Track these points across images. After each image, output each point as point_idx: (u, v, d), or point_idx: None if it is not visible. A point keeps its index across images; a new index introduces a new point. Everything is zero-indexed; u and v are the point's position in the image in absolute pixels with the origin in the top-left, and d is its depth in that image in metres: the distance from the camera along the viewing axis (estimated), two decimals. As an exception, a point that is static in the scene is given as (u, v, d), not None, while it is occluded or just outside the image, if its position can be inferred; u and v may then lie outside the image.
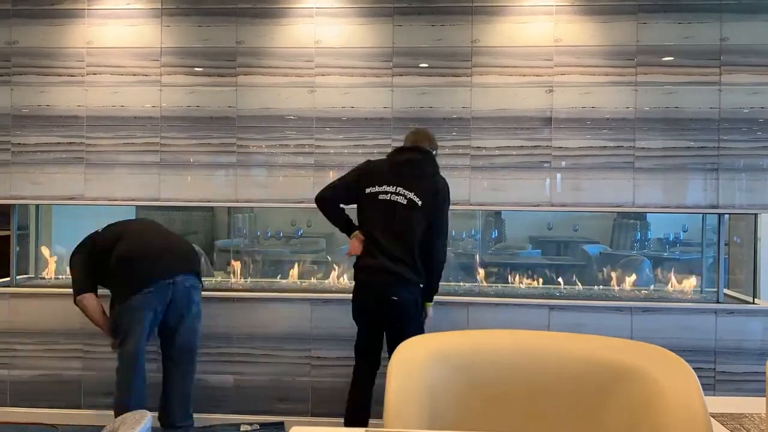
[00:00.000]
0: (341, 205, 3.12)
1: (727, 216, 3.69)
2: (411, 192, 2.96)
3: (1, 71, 3.76)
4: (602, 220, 4.82)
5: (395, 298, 2.94)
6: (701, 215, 3.90)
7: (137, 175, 3.73)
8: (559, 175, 3.60)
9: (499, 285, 4.25)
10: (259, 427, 3.48)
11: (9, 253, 3.91)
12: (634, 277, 4.09)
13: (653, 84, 3.54)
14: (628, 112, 3.56)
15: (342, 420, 3.39)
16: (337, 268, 4.09)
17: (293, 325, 3.64)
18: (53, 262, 4.10)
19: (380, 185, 2.99)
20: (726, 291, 3.76)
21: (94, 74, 3.74)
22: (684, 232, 5.02)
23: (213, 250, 5.22)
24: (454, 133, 3.62)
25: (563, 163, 3.59)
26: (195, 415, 3.58)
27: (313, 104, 3.66)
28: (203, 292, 3.72)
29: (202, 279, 3.33)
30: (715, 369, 3.52)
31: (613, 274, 4.07)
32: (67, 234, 4.48)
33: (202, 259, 4.00)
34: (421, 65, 3.63)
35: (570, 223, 5.04)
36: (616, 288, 3.97)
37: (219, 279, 4.31)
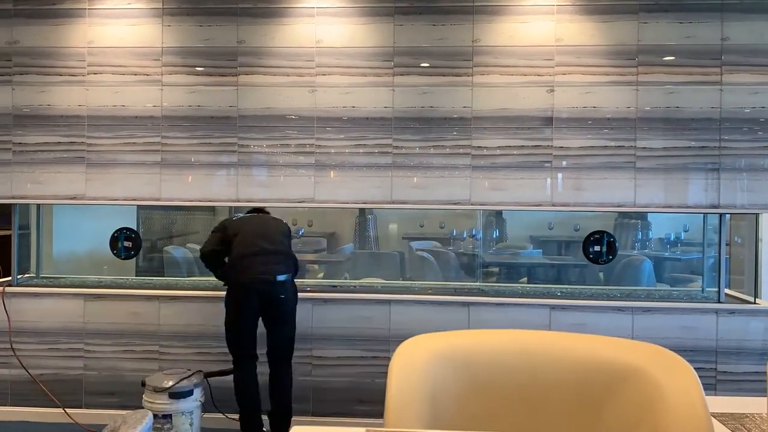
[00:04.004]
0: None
1: (728, 216, 3.69)
2: None
3: (2, 71, 3.77)
4: (603, 219, 4.82)
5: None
6: (702, 215, 3.90)
7: (138, 175, 3.73)
8: (560, 175, 3.59)
9: (500, 285, 4.25)
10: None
11: (10, 253, 3.92)
12: (635, 276, 4.09)
13: (654, 84, 3.54)
14: (629, 111, 3.56)
15: (343, 420, 3.40)
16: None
17: (294, 324, 3.64)
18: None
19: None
20: (727, 291, 3.76)
21: (95, 74, 3.74)
22: (685, 231, 5.02)
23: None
24: (455, 133, 3.62)
25: (564, 163, 3.59)
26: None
27: (314, 104, 3.66)
28: (204, 293, 3.73)
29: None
30: (716, 369, 3.52)
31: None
32: (68, 234, 4.49)
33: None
34: (422, 65, 3.63)
35: (571, 222, 5.04)
36: (617, 288, 3.96)
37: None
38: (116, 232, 4.00)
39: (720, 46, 3.51)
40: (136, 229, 4.18)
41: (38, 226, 4.22)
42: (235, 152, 3.70)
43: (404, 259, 5.03)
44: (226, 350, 3.66)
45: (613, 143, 3.57)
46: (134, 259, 4.33)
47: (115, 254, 4.01)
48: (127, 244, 3.98)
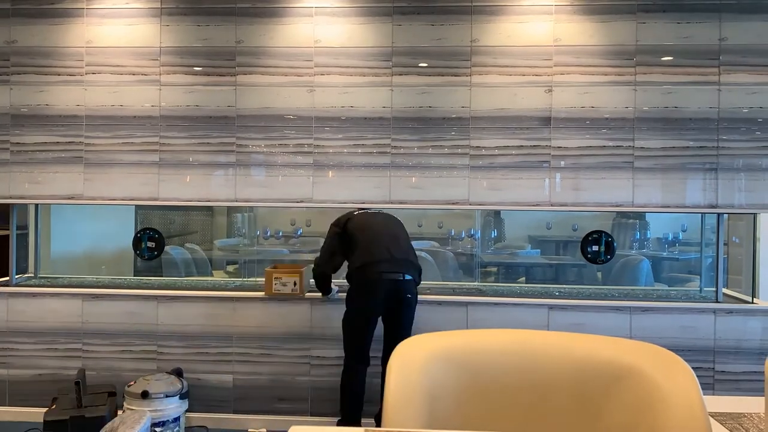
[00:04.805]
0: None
1: (726, 216, 3.70)
2: None
3: (1, 70, 3.76)
4: (601, 219, 4.83)
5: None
6: (700, 215, 3.90)
7: (136, 175, 3.73)
8: (558, 175, 3.60)
9: (499, 285, 4.25)
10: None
11: (8, 253, 3.91)
12: (633, 276, 4.10)
13: (652, 84, 3.55)
14: (627, 111, 3.56)
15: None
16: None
17: (293, 324, 3.64)
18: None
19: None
20: (725, 291, 3.76)
21: (94, 74, 3.74)
22: (683, 231, 5.03)
23: (212, 249, 5.22)
24: (453, 133, 3.62)
25: (562, 163, 3.59)
26: (196, 415, 3.59)
27: (312, 104, 3.66)
28: (203, 293, 3.73)
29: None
30: (714, 368, 3.52)
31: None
32: (66, 234, 4.49)
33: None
34: (420, 65, 3.63)
35: (569, 222, 5.05)
36: (615, 288, 3.97)
37: (218, 279, 4.31)
38: (139, 232, 4.00)
39: (718, 46, 3.52)
40: (134, 228, 4.18)
41: (36, 226, 4.21)
42: (233, 152, 3.70)
43: (403, 259, 5.01)
44: (225, 350, 3.68)
45: (611, 143, 3.57)
46: (133, 259, 4.33)
47: (137, 254, 4.01)
48: (150, 244, 3.97)
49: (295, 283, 3.61)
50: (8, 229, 3.92)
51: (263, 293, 3.67)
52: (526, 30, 3.60)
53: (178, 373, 3.46)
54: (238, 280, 4.21)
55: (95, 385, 3.48)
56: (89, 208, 4.19)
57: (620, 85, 3.56)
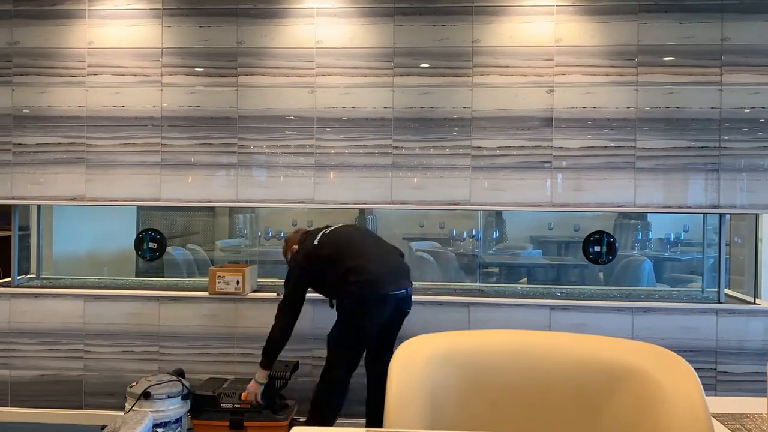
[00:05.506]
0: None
1: (728, 216, 3.69)
2: None
3: (3, 71, 3.77)
4: (603, 220, 4.83)
5: None
6: (702, 215, 3.90)
7: (138, 176, 3.73)
8: (559, 175, 3.59)
9: (500, 285, 4.25)
10: None
11: (10, 254, 3.92)
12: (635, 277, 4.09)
13: (654, 84, 3.54)
14: (628, 112, 3.56)
15: (343, 420, 3.39)
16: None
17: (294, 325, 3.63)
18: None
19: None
20: (727, 291, 3.76)
21: (95, 74, 3.74)
22: (685, 232, 5.02)
23: (214, 250, 5.22)
24: (454, 133, 3.62)
25: (564, 163, 3.59)
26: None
27: (313, 104, 3.67)
28: (205, 293, 3.73)
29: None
30: (716, 369, 3.52)
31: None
32: (68, 234, 4.49)
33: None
34: (422, 65, 3.63)
35: (571, 223, 5.04)
36: (617, 288, 3.96)
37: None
38: (141, 233, 4.00)
39: (720, 47, 3.52)
40: (135, 229, 4.18)
41: (38, 227, 4.22)
42: (234, 153, 3.70)
43: (404, 259, 5.02)
44: (227, 351, 3.68)
45: (612, 143, 3.57)
46: (134, 260, 4.33)
47: (139, 255, 4.02)
48: (152, 245, 3.97)
49: (237, 282, 3.63)
50: (10, 230, 3.93)
51: (265, 294, 3.67)
52: (527, 30, 3.59)
53: (180, 373, 3.46)
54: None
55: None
56: (91, 209, 4.20)
57: (622, 86, 3.56)
